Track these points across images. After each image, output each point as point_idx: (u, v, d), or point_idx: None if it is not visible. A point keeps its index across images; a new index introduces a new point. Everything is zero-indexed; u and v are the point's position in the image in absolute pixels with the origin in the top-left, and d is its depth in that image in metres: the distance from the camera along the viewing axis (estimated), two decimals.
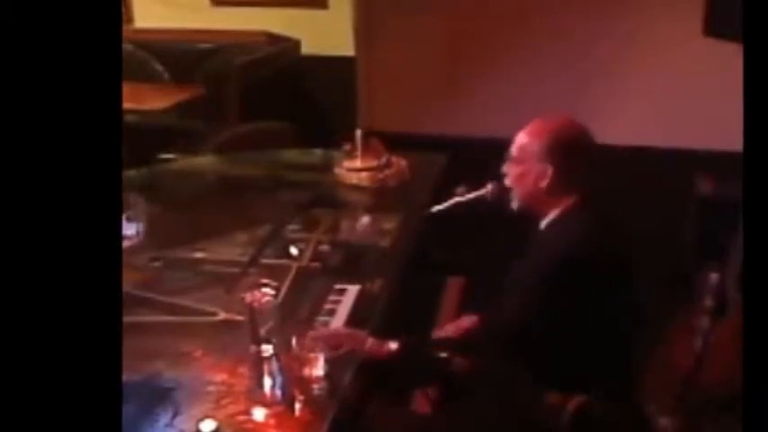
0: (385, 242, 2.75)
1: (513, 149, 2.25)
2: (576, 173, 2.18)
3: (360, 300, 2.39)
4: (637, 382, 2.31)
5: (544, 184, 2.17)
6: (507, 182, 2.28)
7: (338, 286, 2.45)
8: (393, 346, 2.13)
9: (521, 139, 2.23)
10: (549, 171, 2.16)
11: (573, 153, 2.18)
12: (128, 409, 1.78)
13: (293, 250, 2.65)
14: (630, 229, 2.32)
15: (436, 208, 2.71)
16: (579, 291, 2.04)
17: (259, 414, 1.89)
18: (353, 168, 3.18)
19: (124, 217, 2.67)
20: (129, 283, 2.36)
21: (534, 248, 2.21)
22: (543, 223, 2.23)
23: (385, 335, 2.17)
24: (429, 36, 4.86)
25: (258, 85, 4.70)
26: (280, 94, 4.72)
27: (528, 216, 2.27)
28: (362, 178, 3.16)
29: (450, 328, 2.48)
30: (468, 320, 2.47)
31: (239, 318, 2.14)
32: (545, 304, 2.07)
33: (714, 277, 2.74)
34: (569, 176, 2.17)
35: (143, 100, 4.48)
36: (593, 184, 2.21)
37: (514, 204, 2.28)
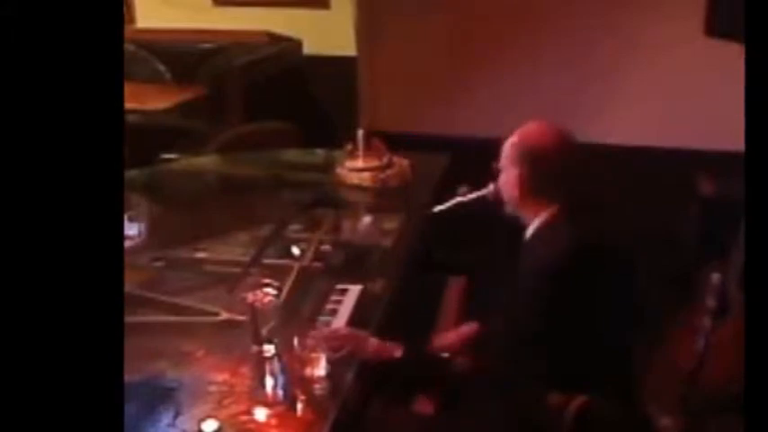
0: (387, 242, 2.75)
1: (500, 160, 2.29)
2: (549, 179, 2.18)
3: (361, 300, 2.39)
4: (638, 382, 2.31)
5: (516, 190, 2.21)
6: (500, 191, 2.31)
7: (340, 286, 2.46)
8: (396, 352, 2.13)
9: (504, 146, 2.27)
10: (521, 176, 2.20)
11: (540, 159, 2.19)
12: (130, 409, 1.78)
13: (295, 250, 2.65)
14: (628, 229, 2.31)
15: (438, 208, 2.71)
16: (569, 300, 2.04)
17: (261, 414, 1.89)
18: (355, 168, 3.18)
19: (126, 217, 2.68)
20: (130, 284, 2.36)
21: (522, 259, 2.22)
22: (528, 232, 2.24)
23: (387, 335, 2.17)
24: (431, 36, 4.85)
25: (260, 85, 4.70)
26: (281, 94, 4.71)
27: (518, 221, 2.29)
28: (364, 178, 3.16)
29: (450, 335, 2.49)
30: (468, 329, 2.47)
31: (241, 318, 2.15)
32: (538, 315, 2.08)
33: (716, 277, 2.74)
34: (540, 183, 2.19)
35: (145, 100, 4.47)
36: (576, 190, 2.20)
37: (506, 209, 2.30)
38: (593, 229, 2.19)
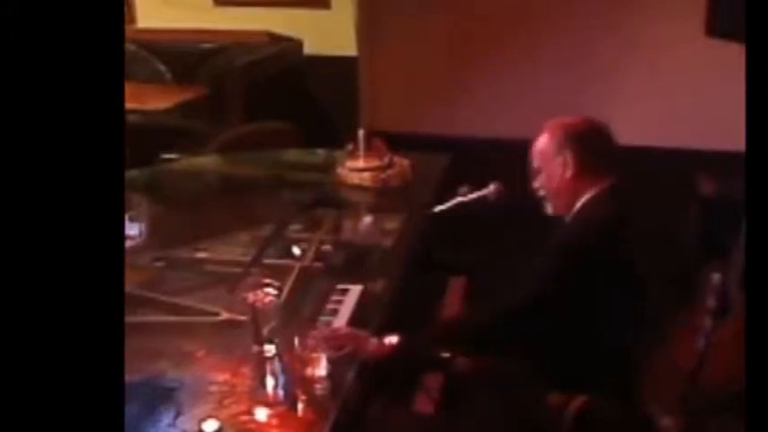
0: (387, 242, 2.75)
1: (534, 163, 2.28)
2: (598, 155, 2.22)
3: (362, 300, 2.39)
4: (639, 382, 2.31)
5: (569, 173, 2.20)
6: (541, 193, 2.29)
7: (341, 286, 2.45)
8: (393, 339, 2.13)
9: (534, 150, 2.27)
10: (569, 157, 2.19)
11: (587, 136, 2.23)
12: (130, 410, 1.78)
13: (296, 250, 2.65)
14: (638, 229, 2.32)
15: (439, 208, 2.71)
16: (597, 274, 2.06)
17: (261, 414, 1.89)
18: (356, 168, 3.18)
19: (127, 217, 2.68)
20: (131, 284, 2.36)
21: (559, 235, 2.22)
22: (575, 208, 2.24)
23: (387, 335, 2.17)
24: (431, 36, 4.86)
25: (260, 84, 4.71)
26: (282, 94, 4.72)
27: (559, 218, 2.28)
28: (365, 178, 3.16)
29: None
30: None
31: (242, 318, 2.14)
32: (562, 280, 2.09)
33: (716, 277, 2.74)
34: (591, 159, 2.20)
35: (145, 100, 4.48)
36: (620, 170, 2.22)
37: (549, 210, 2.29)
38: (630, 209, 2.24)
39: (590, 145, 2.22)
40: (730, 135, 2.90)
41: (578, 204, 2.21)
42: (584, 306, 2.05)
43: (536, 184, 2.30)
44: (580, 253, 2.09)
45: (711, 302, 2.72)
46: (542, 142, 2.26)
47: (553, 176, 2.24)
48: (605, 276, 2.08)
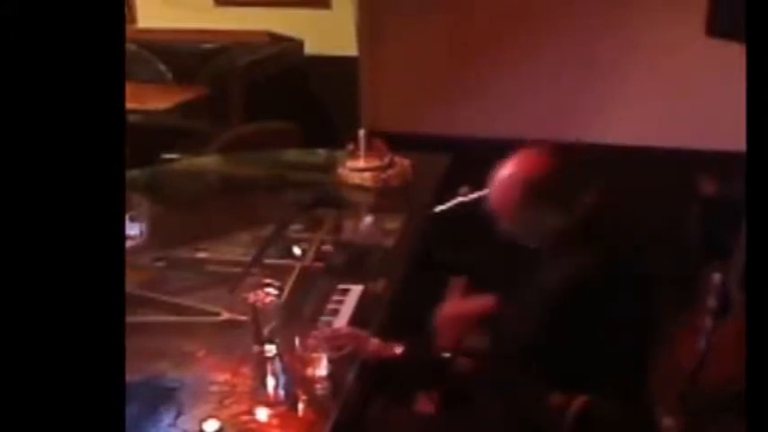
0: (388, 242, 2.76)
1: (499, 212, 2.17)
2: (570, 199, 2.09)
3: (363, 300, 2.40)
4: (640, 382, 2.31)
5: (545, 227, 2.11)
6: (516, 234, 2.19)
7: (341, 286, 2.46)
8: (397, 350, 2.13)
9: (497, 201, 2.17)
10: (539, 216, 2.10)
11: (553, 184, 2.09)
12: (131, 410, 1.79)
13: (296, 250, 2.65)
14: (640, 233, 2.30)
15: (439, 208, 2.71)
16: (586, 312, 2.02)
17: (262, 414, 1.89)
18: (356, 168, 3.19)
19: (127, 217, 2.68)
20: (132, 284, 2.37)
21: (542, 272, 2.19)
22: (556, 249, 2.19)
23: (388, 335, 2.17)
24: (432, 36, 4.85)
25: (261, 84, 4.70)
26: (283, 94, 4.71)
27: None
28: (365, 178, 3.16)
29: (467, 304, 2.53)
30: (486, 302, 2.47)
31: (242, 318, 2.15)
32: (553, 324, 2.06)
33: (717, 277, 2.74)
34: (565, 204, 2.09)
35: (146, 100, 4.47)
36: (594, 200, 2.15)
37: (530, 245, 2.21)
38: (613, 245, 2.16)
39: (560, 193, 2.09)
40: (730, 135, 2.89)
41: (563, 244, 2.13)
42: (585, 324, 2.04)
43: (506, 227, 2.19)
44: (574, 300, 2.03)
45: (712, 303, 2.72)
46: (505, 197, 2.13)
47: (526, 229, 2.15)
48: (605, 298, 2.05)
